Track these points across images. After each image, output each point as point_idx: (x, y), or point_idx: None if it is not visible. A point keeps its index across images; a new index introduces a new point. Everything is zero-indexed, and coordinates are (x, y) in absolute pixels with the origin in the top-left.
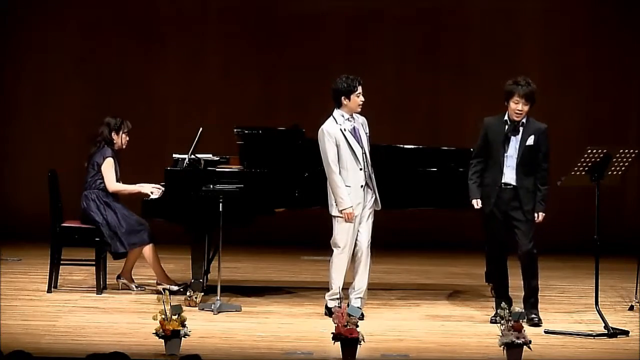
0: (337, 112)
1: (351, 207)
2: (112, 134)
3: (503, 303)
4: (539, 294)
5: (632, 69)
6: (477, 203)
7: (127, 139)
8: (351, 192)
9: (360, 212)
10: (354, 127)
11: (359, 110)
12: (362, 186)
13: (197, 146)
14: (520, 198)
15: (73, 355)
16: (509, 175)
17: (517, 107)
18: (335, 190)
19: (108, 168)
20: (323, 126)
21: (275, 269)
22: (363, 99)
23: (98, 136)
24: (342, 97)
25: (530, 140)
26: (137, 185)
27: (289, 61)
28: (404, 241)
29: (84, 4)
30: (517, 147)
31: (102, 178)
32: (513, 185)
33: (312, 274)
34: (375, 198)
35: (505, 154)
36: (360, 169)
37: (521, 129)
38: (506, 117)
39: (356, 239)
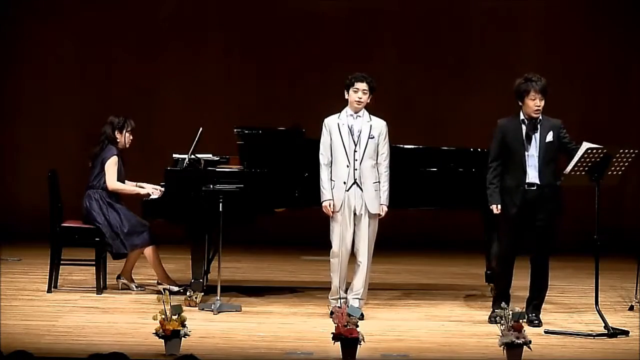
0: (345, 108)
1: (329, 200)
2: (116, 132)
3: (503, 303)
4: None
5: (632, 69)
6: (496, 208)
7: (131, 138)
8: (334, 186)
9: (345, 212)
10: (353, 125)
11: (357, 107)
12: (345, 183)
13: (197, 146)
14: (545, 197)
15: (73, 355)
16: (533, 175)
17: (534, 103)
18: (320, 182)
19: (111, 166)
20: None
21: (275, 269)
22: (361, 97)
23: (101, 135)
24: (345, 92)
25: (550, 137)
26: (137, 186)
27: (289, 61)
28: (404, 241)
29: (84, 4)
30: (538, 145)
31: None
32: (537, 185)
33: (312, 274)
34: (366, 201)
35: (527, 153)
36: (347, 166)
37: (539, 126)
38: (522, 117)
39: (354, 241)
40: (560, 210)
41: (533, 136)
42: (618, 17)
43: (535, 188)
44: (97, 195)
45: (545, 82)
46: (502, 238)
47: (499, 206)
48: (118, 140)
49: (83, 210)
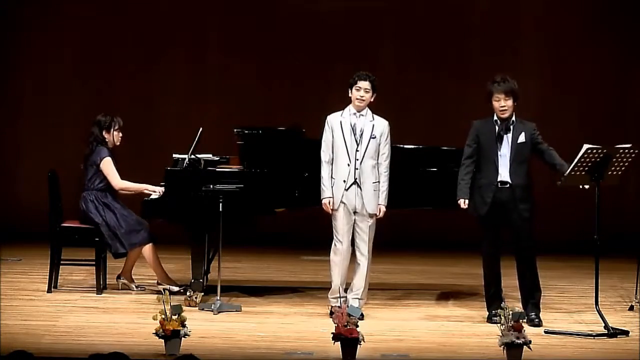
0: (348, 106)
1: (329, 198)
2: (104, 132)
3: (503, 303)
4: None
5: (631, 69)
6: (463, 203)
7: (120, 135)
8: (334, 184)
9: (345, 210)
10: (355, 123)
11: (359, 105)
12: (345, 181)
13: (197, 146)
14: (517, 196)
15: (73, 355)
16: (504, 174)
17: (499, 104)
18: (320, 179)
19: (109, 167)
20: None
21: (275, 269)
22: (362, 95)
23: (90, 136)
24: (349, 90)
25: (522, 137)
26: (143, 185)
27: (289, 61)
28: (404, 241)
29: (84, 5)
30: (510, 145)
31: (100, 178)
32: (509, 184)
33: (312, 274)
34: (365, 201)
35: (499, 153)
36: (348, 165)
37: (512, 127)
38: (495, 118)
39: (354, 240)
40: (533, 209)
41: (505, 136)
42: (618, 19)
43: (507, 187)
44: (92, 196)
45: (511, 84)
46: (482, 240)
47: (466, 201)
48: (107, 140)
49: (80, 212)
